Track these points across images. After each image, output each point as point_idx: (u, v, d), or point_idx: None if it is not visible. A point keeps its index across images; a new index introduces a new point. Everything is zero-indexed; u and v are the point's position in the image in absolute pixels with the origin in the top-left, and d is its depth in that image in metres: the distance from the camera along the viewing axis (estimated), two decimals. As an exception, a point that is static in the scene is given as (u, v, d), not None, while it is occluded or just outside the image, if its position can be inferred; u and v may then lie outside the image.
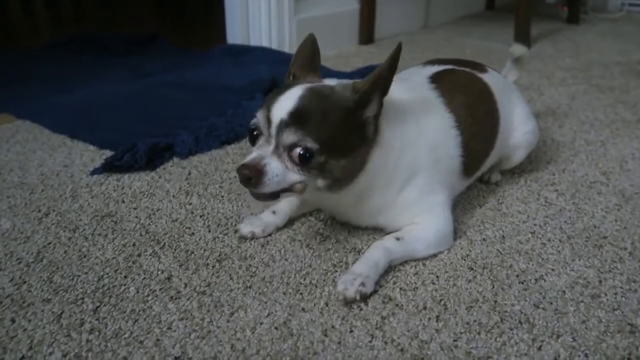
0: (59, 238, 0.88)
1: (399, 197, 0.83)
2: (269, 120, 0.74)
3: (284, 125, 0.72)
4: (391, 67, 0.75)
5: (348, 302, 0.72)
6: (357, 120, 0.76)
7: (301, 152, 0.72)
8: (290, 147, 0.73)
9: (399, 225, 0.85)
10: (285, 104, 0.73)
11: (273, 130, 0.73)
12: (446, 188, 0.88)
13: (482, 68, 1.05)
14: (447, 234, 0.86)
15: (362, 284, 0.73)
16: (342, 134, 0.75)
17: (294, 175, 0.74)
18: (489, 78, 1.01)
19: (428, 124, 0.86)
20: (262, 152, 0.74)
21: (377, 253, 0.79)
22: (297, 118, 0.72)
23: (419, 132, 0.84)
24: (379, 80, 0.75)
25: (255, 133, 0.76)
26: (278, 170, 0.73)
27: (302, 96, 0.74)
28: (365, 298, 0.73)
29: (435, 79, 0.94)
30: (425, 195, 0.85)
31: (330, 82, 0.79)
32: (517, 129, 1.03)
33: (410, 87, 0.92)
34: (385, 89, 0.77)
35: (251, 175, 0.72)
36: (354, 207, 0.85)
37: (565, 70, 1.96)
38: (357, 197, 0.82)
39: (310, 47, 0.86)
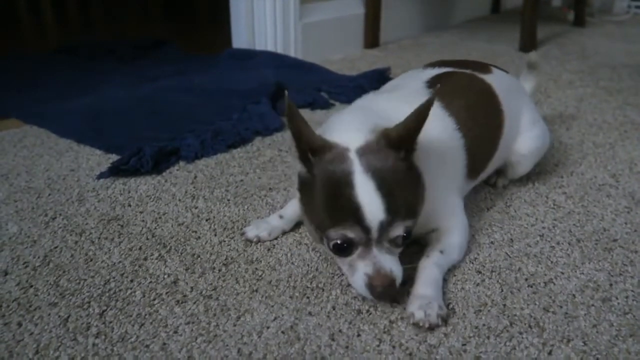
0: (66, 242, 0.88)
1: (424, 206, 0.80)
2: (365, 230, 0.67)
3: (386, 225, 0.67)
4: (426, 111, 0.69)
5: (431, 328, 0.68)
6: (414, 170, 0.72)
7: (405, 235, 0.70)
8: (396, 238, 0.70)
9: (423, 231, 0.83)
10: (375, 205, 0.66)
11: (374, 234, 0.67)
12: (457, 189, 0.88)
13: (486, 69, 1.03)
14: (468, 235, 0.86)
15: (440, 307, 0.70)
16: (417, 193, 0.73)
17: (397, 253, 0.72)
18: (492, 78, 1.00)
19: (433, 130, 0.81)
20: (373, 260, 0.68)
21: (433, 272, 0.76)
22: (394, 210, 0.67)
23: (428, 142, 0.80)
24: (417, 128, 0.70)
25: (346, 244, 0.69)
26: (396, 264, 0.70)
27: (379, 185, 0.66)
28: (445, 320, 0.70)
29: (432, 83, 0.92)
30: (444, 199, 0.83)
31: (343, 137, 0.71)
32: (523, 133, 1.02)
33: (406, 95, 0.89)
34: (419, 132, 0.71)
35: (388, 291, 0.69)
36: None
37: (572, 72, 1.95)
38: None
39: (298, 111, 0.71)
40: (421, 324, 0.68)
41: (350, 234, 0.68)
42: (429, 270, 0.76)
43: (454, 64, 1.02)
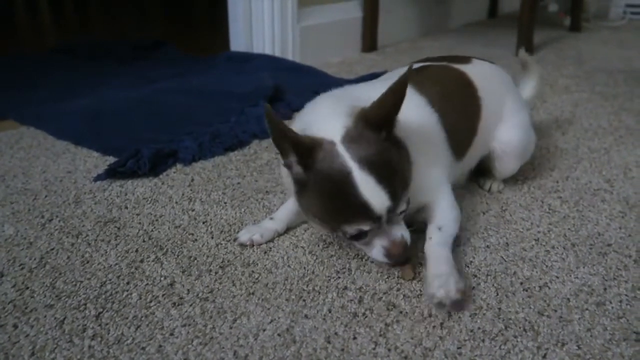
0: (62, 244, 0.88)
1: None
2: (377, 219, 0.72)
3: (392, 208, 0.72)
4: (396, 96, 0.72)
5: (454, 305, 0.71)
6: (397, 145, 0.75)
7: (406, 207, 0.76)
8: (401, 212, 0.76)
9: (413, 211, 0.86)
10: (379, 197, 0.70)
11: (384, 218, 0.73)
12: (442, 166, 0.90)
13: (465, 60, 1.06)
14: (458, 208, 0.89)
15: (456, 281, 0.73)
16: (406, 166, 0.76)
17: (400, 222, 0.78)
18: (469, 68, 1.02)
19: (408, 110, 0.80)
20: (385, 234, 0.75)
21: (439, 251, 0.79)
22: (396, 193, 0.72)
23: (404, 121, 0.80)
24: (394, 106, 0.72)
25: (362, 234, 0.75)
26: (403, 228, 0.77)
27: (378, 176, 0.70)
28: (464, 292, 0.73)
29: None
30: (428, 174, 0.85)
31: (321, 129, 0.73)
32: (506, 121, 1.02)
33: (375, 83, 0.94)
34: (397, 111, 0.73)
35: (404, 255, 0.77)
36: None
37: (568, 77, 1.96)
38: None
39: (281, 122, 0.71)
40: (443, 302, 0.70)
41: (364, 227, 0.73)
42: (435, 251, 0.80)
43: (436, 60, 1.06)
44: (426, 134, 0.87)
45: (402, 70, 1.01)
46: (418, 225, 0.86)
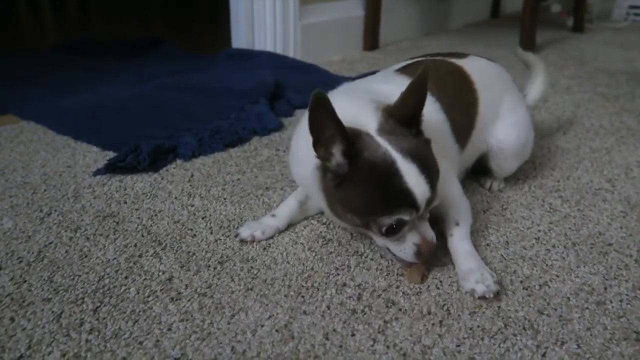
0: (61, 238, 0.87)
1: None
2: (417, 210, 0.73)
3: (430, 200, 0.74)
4: (418, 94, 0.74)
5: (496, 297, 0.74)
6: (425, 142, 0.77)
7: (437, 203, 0.77)
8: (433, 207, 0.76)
9: None
10: (422, 188, 0.71)
11: (422, 211, 0.74)
12: (448, 156, 0.90)
13: (460, 55, 1.06)
14: (463, 193, 0.91)
15: (491, 275, 0.76)
16: (435, 162, 0.77)
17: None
18: (464, 62, 1.02)
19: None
20: (418, 230, 0.75)
21: (464, 246, 0.82)
22: (434, 185, 0.73)
23: None
24: (420, 102, 0.74)
25: (398, 226, 0.74)
26: (429, 227, 0.77)
27: (420, 166, 0.71)
28: (500, 283, 0.76)
29: (401, 69, 0.97)
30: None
31: (356, 120, 0.73)
32: (502, 120, 1.01)
33: (372, 79, 0.95)
34: (423, 106, 0.75)
35: (432, 253, 0.77)
36: None
37: (570, 78, 1.96)
38: None
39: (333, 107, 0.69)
40: (486, 296, 0.74)
41: (405, 217, 0.73)
42: (460, 247, 0.82)
43: (432, 56, 1.06)
44: (433, 125, 0.86)
45: (400, 65, 1.04)
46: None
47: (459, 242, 0.83)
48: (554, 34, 2.78)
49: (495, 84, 1.04)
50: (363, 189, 0.72)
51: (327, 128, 0.69)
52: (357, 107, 0.77)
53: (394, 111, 0.74)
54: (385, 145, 0.71)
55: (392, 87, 0.80)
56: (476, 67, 1.02)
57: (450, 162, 0.91)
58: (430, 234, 0.76)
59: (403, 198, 0.71)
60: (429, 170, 0.72)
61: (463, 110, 0.96)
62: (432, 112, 0.88)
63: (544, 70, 1.29)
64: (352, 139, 0.70)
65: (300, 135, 0.83)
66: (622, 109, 1.60)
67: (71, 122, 1.34)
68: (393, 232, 0.74)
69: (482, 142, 1.02)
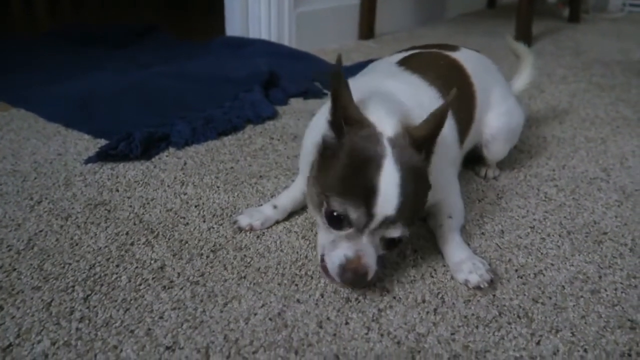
0: (51, 226, 0.86)
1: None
2: (369, 215, 0.66)
3: (389, 222, 0.66)
4: (437, 124, 0.70)
5: (490, 285, 0.73)
6: (426, 174, 0.72)
7: (397, 240, 0.69)
8: (389, 239, 0.69)
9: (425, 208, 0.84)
10: (391, 199, 0.65)
11: (374, 225, 0.66)
12: (452, 160, 0.91)
13: (453, 48, 1.07)
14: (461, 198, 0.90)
15: (482, 263, 0.75)
16: (423, 200, 0.72)
17: (380, 253, 0.71)
18: (459, 55, 1.03)
19: (424, 102, 0.82)
20: (359, 247, 0.67)
21: (454, 236, 0.81)
22: (402, 212, 0.66)
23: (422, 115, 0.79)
24: (437, 129, 0.70)
25: (341, 218, 0.68)
26: (374, 263, 0.69)
27: (402, 183, 0.65)
28: (492, 271, 0.76)
29: (402, 62, 0.96)
30: (442, 172, 0.84)
31: (375, 118, 0.71)
32: (493, 109, 1.02)
33: (381, 75, 0.94)
34: (438, 134, 0.71)
35: (357, 280, 0.68)
36: None
37: (566, 68, 1.95)
38: None
39: (345, 83, 0.70)
40: (481, 286, 0.73)
41: (353, 213, 0.66)
42: (449, 236, 0.81)
43: (422, 48, 1.07)
44: (443, 133, 0.85)
45: (387, 58, 1.04)
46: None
47: (449, 232, 0.82)
48: (550, 25, 2.77)
49: (486, 75, 1.05)
50: (339, 162, 0.68)
51: (336, 99, 0.69)
52: (386, 110, 0.73)
53: (413, 130, 0.70)
54: (387, 147, 0.68)
55: (404, 86, 0.84)
56: (469, 60, 1.03)
57: (454, 167, 0.92)
58: (369, 261, 0.67)
59: (363, 192, 0.65)
60: (410, 195, 0.66)
61: (464, 107, 0.96)
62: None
63: (532, 62, 1.29)
64: (354, 121, 0.69)
65: (322, 110, 0.83)
66: (617, 99, 1.59)
67: (62, 110, 1.32)
68: (334, 221, 0.68)
69: (477, 134, 1.02)
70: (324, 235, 0.71)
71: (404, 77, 0.91)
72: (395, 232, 0.68)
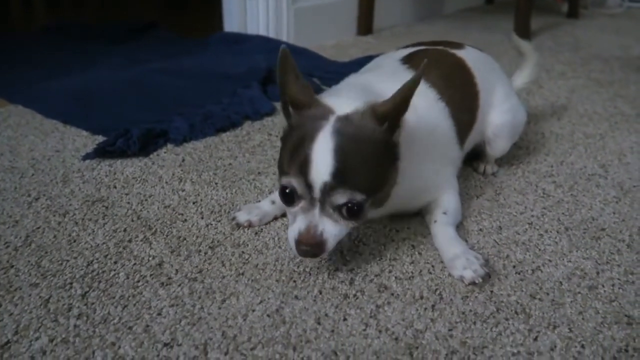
0: (49, 222, 0.86)
1: (420, 182, 0.84)
2: (308, 185, 0.68)
3: (329, 188, 0.67)
4: (412, 87, 0.70)
5: (485, 281, 0.73)
6: (389, 149, 0.73)
7: (351, 206, 0.69)
8: (340, 207, 0.69)
9: (420, 206, 0.88)
10: (322, 165, 0.66)
11: (316, 193, 0.68)
12: (450, 159, 0.91)
13: (458, 45, 1.06)
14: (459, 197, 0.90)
15: (477, 257, 0.75)
16: (382, 170, 0.72)
17: (347, 226, 0.71)
18: (464, 53, 1.02)
19: (419, 105, 0.81)
20: (311, 218, 0.69)
21: (448, 231, 0.81)
22: (341, 177, 0.67)
23: (418, 118, 0.81)
24: (403, 103, 0.70)
25: (290, 193, 0.70)
26: (335, 231, 0.70)
27: (337, 149, 0.67)
28: (487, 264, 0.76)
29: (407, 60, 0.95)
30: (439, 171, 0.87)
31: (333, 101, 0.73)
32: (496, 107, 1.02)
33: (385, 74, 0.92)
34: (406, 108, 0.71)
35: (312, 251, 0.69)
36: (383, 209, 0.82)
37: (565, 64, 1.95)
38: (389, 201, 0.79)
39: (292, 65, 0.73)
40: (476, 282, 0.72)
41: (295, 184, 0.69)
42: (443, 231, 0.81)
43: (427, 44, 1.06)
44: (440, 132, 0.87)
45: (392, 54, 1.04)
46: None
47: (443, 226, 0.82)
48: (548, 20, 2.76)
49: (490, 75, 1.05)
50: (284, 145, 0.73)
51: (282, 85, 0.72)
52: (350, 94, 0.77)
53: (378, 105, 0.71)
54: (331, 121, 0.69)
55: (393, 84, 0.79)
56: (474, 59, 1.02)
57: (452, 167, 0.92)
58: (319, 231, 0.68)
59: (299, 162, 0.67)
60: (350, 160, 0.67)
61: (466, 108, 0.96)
62: (441, 119, 0.88)
63: (536, 60, 1.29)
64: (301, 104, 0.71)
65: None
66: (616, 95, 1.59)
67: (60, 106, 1.32)
68: (286, 198, 0.71)
69: (479, 134, 1.02)
70: (287, 211, 0.74)
71: (404, 78, 0.89)
72: (341, 198, 0.68)
